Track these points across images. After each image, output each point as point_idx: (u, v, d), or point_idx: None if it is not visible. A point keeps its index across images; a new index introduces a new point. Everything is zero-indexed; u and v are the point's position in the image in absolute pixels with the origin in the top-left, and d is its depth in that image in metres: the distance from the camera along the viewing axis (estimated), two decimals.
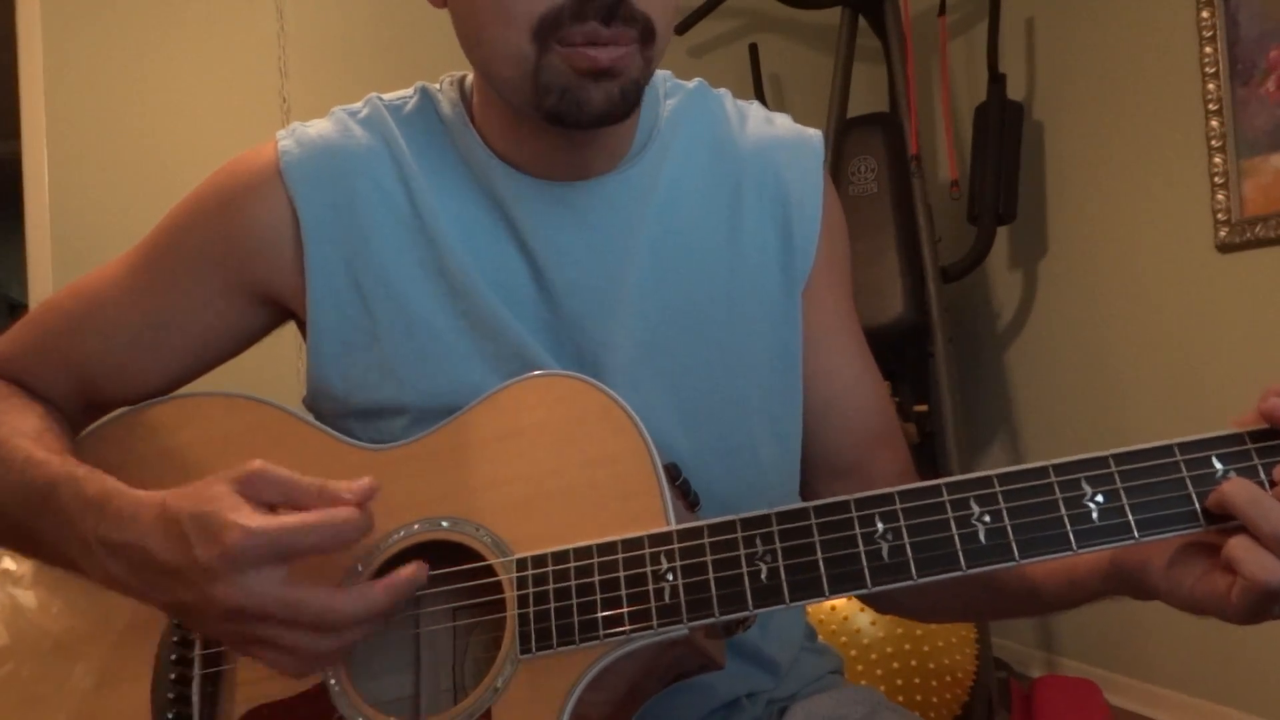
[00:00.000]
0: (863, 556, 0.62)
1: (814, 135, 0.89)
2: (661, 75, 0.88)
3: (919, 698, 2.08)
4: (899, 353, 2.73)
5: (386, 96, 0.85)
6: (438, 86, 0.86)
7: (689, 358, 0.81)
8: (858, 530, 0.63)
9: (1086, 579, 0.68)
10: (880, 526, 0.62)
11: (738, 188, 0.84)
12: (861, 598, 0.90)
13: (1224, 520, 0.58)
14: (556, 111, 0.73)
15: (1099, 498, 0.59)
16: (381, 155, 0.81)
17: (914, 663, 2.05)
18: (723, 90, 0.90)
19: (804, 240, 0.85)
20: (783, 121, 0.90)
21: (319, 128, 0.83)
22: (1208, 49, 2.35)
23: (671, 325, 0.81)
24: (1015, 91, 2.87)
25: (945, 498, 0.62)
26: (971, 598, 0.82)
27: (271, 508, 0.63)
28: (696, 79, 0.90)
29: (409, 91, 0.86)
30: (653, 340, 0.80)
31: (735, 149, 0.86)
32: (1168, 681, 2.52)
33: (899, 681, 2.05)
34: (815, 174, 0.87)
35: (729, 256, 0.83)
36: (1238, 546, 0.56)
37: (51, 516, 0.71)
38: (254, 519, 0.61)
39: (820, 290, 0.86)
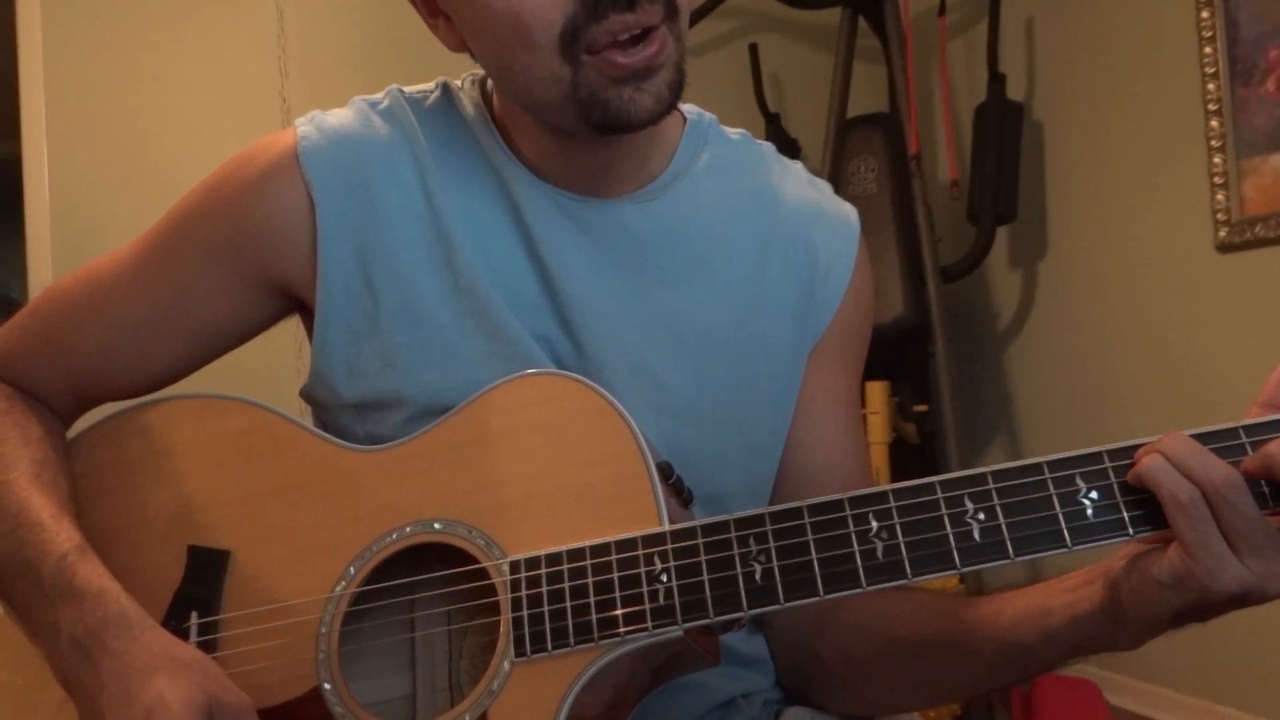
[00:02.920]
0: (857, 556, 0.62)
1: (852, 212, 0.89)
2: (709, 119, 0.87)
3: None
4: (899, 353, 2.73)
5: (408, 89, 0.85)
6: (459, 84, 0.86)
7: (684, 400, 0.80)
8: (852, 529, 0.62)
9: (1060, 629, 0.65)
10: (874, 525, 0.62)
11: (766, 243, 0.84)
12: (779, 663, 0.86)
13: None
14: (605, 123, 0.71)
15: (1093, 494, 0.59)
16: (400, 147, 0.81)
17: None
18: (767, 144, 0.90)
19: (823, 307, 0.84)
20: (825, 189, 0.90)
21: (339, 116, 0.82)
22: (1208, 49, 2.35)
23: (673, 364, 0.81)
24: (1015, 91, 2.87)
25: (939, 495, 0.62)
26: (914, 669, 0.78)
27: None
28: (740, 130, 0.89)
29: (431, 86, 0.85)
30: (651, 374, 0.80)
31: (773, 205, 0.85)
32: (1167, 681, 2.52)
33: None
34: (849, 250, 0.86)
35: (745, 309, 0.82)
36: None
37: (28, 586, 0.71)
38: None
39: (826, 363, 0.85)
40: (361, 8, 2.93)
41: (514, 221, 0.80)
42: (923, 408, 2.74)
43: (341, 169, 0.79)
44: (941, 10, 2.90)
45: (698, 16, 2.99)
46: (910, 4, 2.83)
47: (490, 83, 0.84)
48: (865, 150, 2.78)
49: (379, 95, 0.84)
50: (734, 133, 0.89)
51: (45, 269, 2.67)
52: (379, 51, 2.89)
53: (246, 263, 0.80)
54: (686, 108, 0.87)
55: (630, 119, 0.71)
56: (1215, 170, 2.35)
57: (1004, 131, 2.74)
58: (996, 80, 2.76)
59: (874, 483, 0.87)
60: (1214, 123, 2.35)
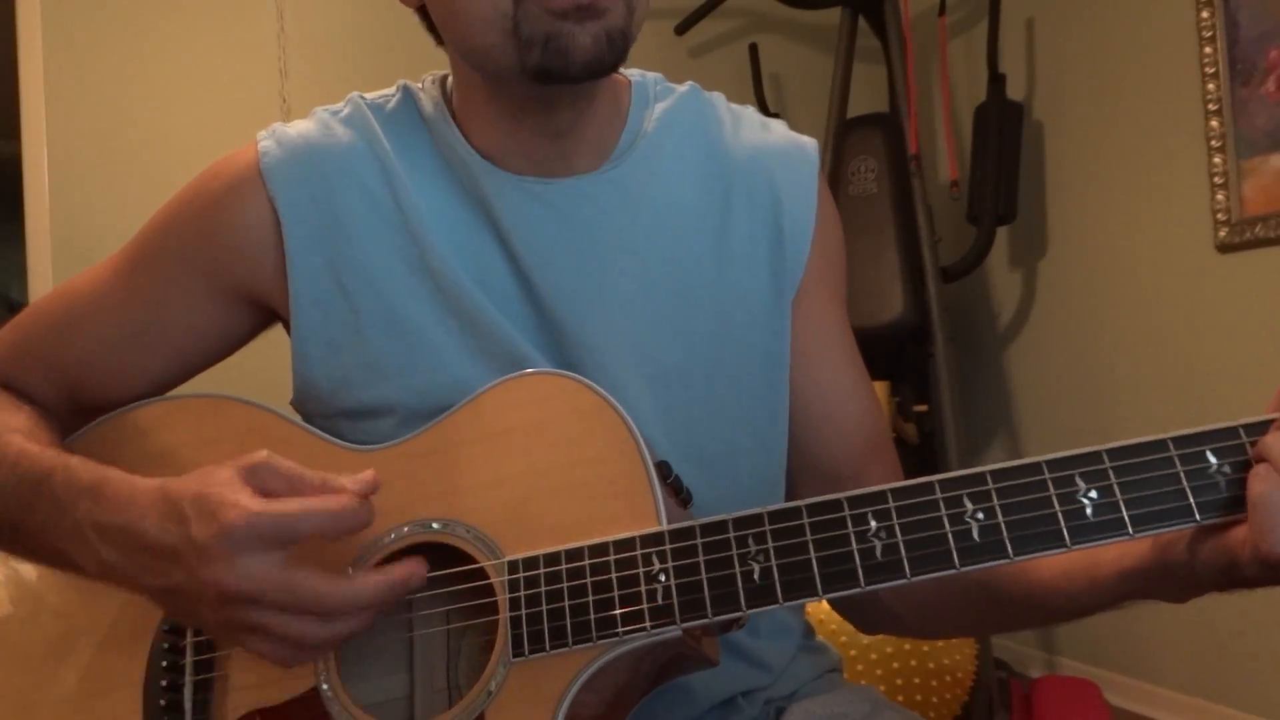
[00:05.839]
0: (856, 555, 0.61)
1: (809, 144, 0.88)
2: (653, 78, 0.87)
3: (919, 698, 2.08)
4: (899, 353, 2.73)
5: (369, 95, 0.85)
6: (420, 85, 0.86)
7: (672, 363, 0.80)
8: (850, 529, 0.62)
9: (1108, 581, 0.66)
10: (873, 525, 0.62)
11: (728, 194, 0.83)
12: (855, 622, 0.88)
13: (1218, 513, 0.57)
14: (543, 66, 0.71)
15: (1093, 494, 0.59)
16: (364, 154, 0.81)
17: (914, 663, 2.05)
18: (717, 94, 0.89)
19: (795, 250, 0.84)
20: (778, 128, 0.88)
21: (300, 127, 0.82)
22: (1208, 49, 2.35)
23: (656, 330, 0.80)
24: (1015, 91, 2.87)
25: (938, 495, 0.61)
26: (973, 609, 0.79)
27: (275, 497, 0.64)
28: (689, 82, 0.89)
29: (391, 90, 0.85)
30: (636, 344, 0.80)
31: (728, 155, 0.85)
32: (1167, 681, 2.52)
33: (899, 681, 2.04)
34: (810, 183, 0.86)
35: (716, 263, 0.82)
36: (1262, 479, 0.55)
37: (43, 506, 0.71)
38: (255, 502, 0.61)
39: (812, 301, 0.85)
40: (361, 8, 2.93)
41: (482, 215, 0.80)
42: (923, 408, 2.74)
43: (305, 181, 0.79)
44: (941, 10, 2.90)
45: (698, 17, 2.99)
46: (910, 4, 2.83)
47: (450, 79, 0.84)
48: (865, 150, 2.78)
49: (339, 104, 0.84)
50: (681, 86, 0.88)
51: (45, 269, 2.67)
52: (379, 51, 2.89)
53: (217, 277, 0.81)
54: (630, 72, 0.86)
55: (568, 58, 0.70)
56: (1215, 170, 2.34)
57: (1004, 131, 2.74)
58: (996, 80, 2.76)
59: (884, 412, 0.87)
60: (1214, 123, 2.35)
